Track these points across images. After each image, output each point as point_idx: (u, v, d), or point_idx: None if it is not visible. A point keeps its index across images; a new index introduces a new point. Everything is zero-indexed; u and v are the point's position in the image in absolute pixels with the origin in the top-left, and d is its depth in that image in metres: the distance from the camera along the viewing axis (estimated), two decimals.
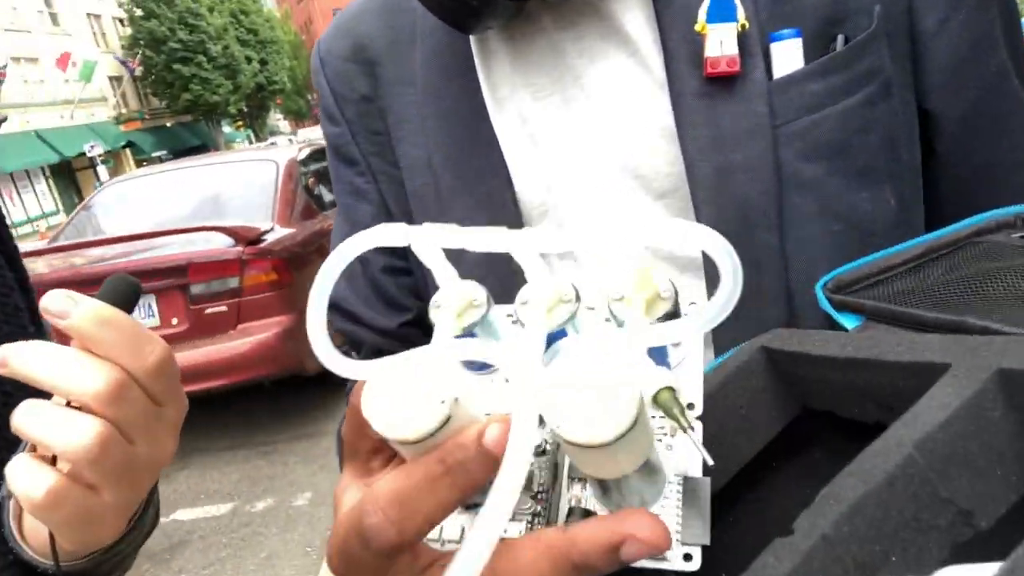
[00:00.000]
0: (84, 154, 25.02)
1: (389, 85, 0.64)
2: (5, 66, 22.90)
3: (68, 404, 0.42)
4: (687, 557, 0.27)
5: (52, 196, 26.23)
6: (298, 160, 4.70)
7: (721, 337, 0.51)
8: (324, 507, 3.28)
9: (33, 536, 0.48)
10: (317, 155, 5.09)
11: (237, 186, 4.56)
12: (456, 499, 0.27)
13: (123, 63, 29.92)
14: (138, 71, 30.19)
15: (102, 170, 24.83)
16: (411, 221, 0.64)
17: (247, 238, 3.80)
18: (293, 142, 5.25)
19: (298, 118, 41.11)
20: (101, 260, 3.80)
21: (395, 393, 0.26)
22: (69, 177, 27.52)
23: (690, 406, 0.31)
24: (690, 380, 0.32)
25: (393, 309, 0.68)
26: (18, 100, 24.99)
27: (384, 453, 0.33)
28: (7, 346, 0.42)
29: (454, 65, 0.60)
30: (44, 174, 26.19)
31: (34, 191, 25.37)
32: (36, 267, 3.82)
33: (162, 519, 3.35)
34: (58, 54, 27.29)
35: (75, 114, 27.76)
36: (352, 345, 0.71)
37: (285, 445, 3.95)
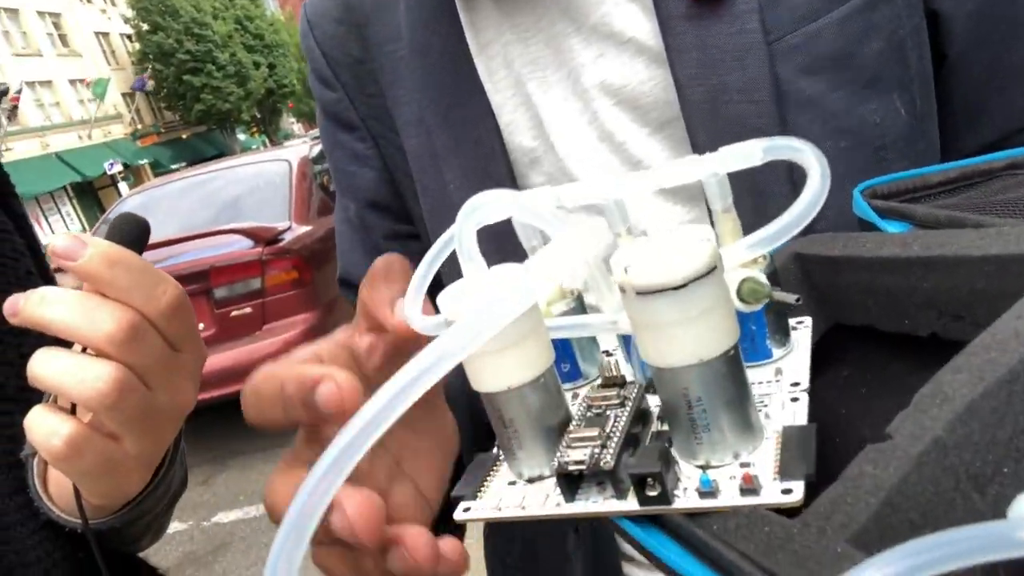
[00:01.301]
0: (105, 173, 25.40)
1: (378, 45, 0.62)
2: (20, 91, 23.26)
3: (84, 351, 0.40)
4: (786, 491, 0.25)
5: (77, 216, 26.66)
6: (311, 158, 4.70)
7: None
8: None
9: (59, 496, 0.48)
10: None
11: (252, 188, 4.58)
12: None
13: (137, 90, 30.26)
14: (150, 85, 30.51)
15: (123, 186, 25.19)
16: (412, 184, 0.63)
17: (266, 238, 3.81)
18: (307, 143, 5.26)
19: (310, 120, 41.37)
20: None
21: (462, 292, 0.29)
22: (92, 196, 27.93)
23: (795, 384, 0.31)
24: (799, 365, 0.32)
25: None
26: (35, 123, 25.38)
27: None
28: (17, 295, 0.41)
29: (438, 13, 0.59)
30: (68, 195, 26.61)
31: (60, 213, 25.79)
32: (64, 282, 3.86)
33: (203, 523, 3.39)
34: (70, 75, 27.67)
35: (92, 133, 28.14)
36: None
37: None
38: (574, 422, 0.30)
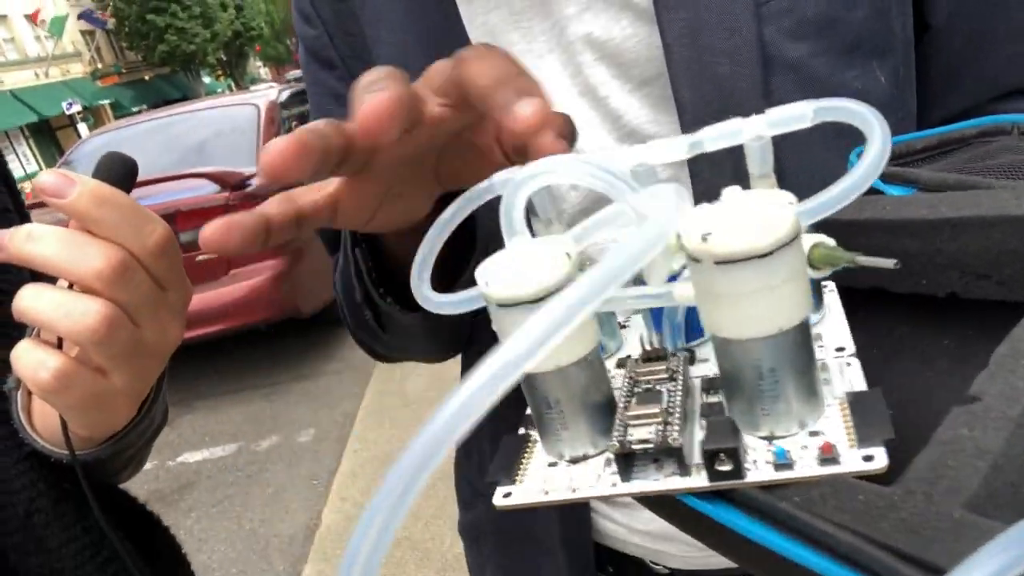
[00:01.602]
0: (64, 113, 24.57)
1: None
2: None
3: (71, 287, 0.40)
4: (867, 458, 0.24)
5: (34, 157, 25.83)
6: (279, 103, 4.63)
7: (708, 192, 0.50)
8: (327, 442, 3.34)
9: (44, 427, 0.48)
10: (298, 97, 5.01)
11: (218, 132, 4.50)
12: None
13: (91, 17, 29.07)
14: (110, 23, 29.39)
15: (83, 128, 24.42)
16: None
17: (232, 183, 3.76)
18: (275, 88, 5.14)
19: (278, 64, 40.27)
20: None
21: (514, 262, 0.27)
22: (50, 137, 27.04)
23: (840, 348, 0.30)
24: (838, 329, 0.31)
25: None
26: None
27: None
28: (2, 231, 0.40)
29: None
30: (24, 135, 25.74)
31: (16, 153, 24.95)
32: (39, 220, 3.78)
33: (169, 462, 3.42)
34: (28, 10, 26.53)
35: (50, 71, 27.14)
36: (327, 239, 0.70)
37: (285, 386, 3.99)
38: (622, 399, 0.28)
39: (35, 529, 0.48)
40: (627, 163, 0.31)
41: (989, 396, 0.23)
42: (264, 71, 41.60)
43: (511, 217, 0.30)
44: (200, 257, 3.80)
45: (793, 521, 0.23)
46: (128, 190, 0.42)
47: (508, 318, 0.26)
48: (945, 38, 0.55)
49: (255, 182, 3.89)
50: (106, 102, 28.76)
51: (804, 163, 0.48)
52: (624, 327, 0.36)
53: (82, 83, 28.95)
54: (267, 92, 4.91)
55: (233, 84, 34.88)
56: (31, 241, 0.40)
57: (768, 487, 0.24)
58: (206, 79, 34.55)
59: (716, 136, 0.30)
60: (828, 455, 0.24)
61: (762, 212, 0.24)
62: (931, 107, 0.57)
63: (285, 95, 4.81)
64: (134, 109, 26.38)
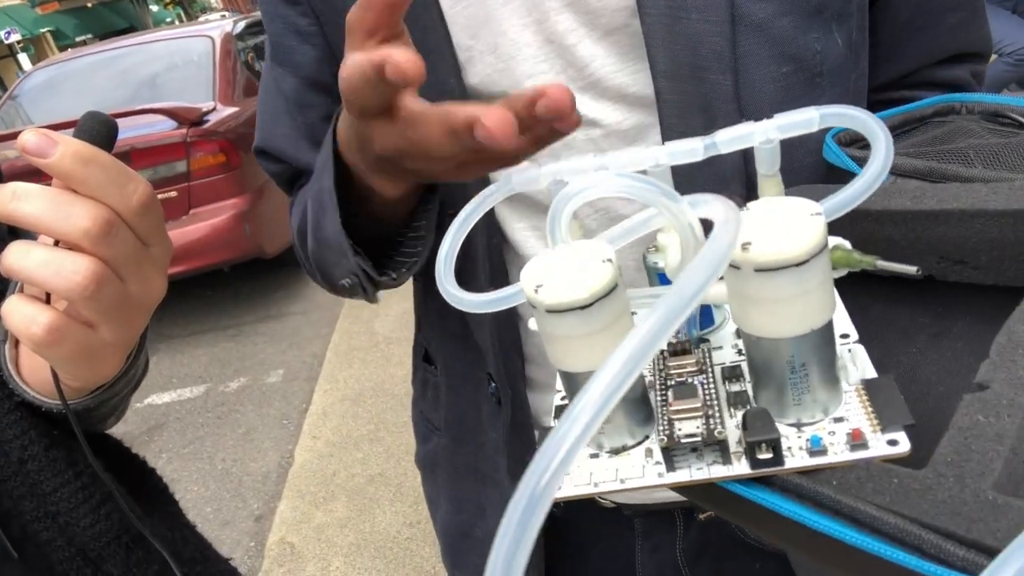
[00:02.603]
0: (2, 42, 23.35)
1: None
2: None
3: (56, 244, 0.41)
4: (892, 442, 0.26)
5: None
6: (234, 35, 4.47)
7: (684, 189, 0.51)
8: (296, 382, 3.36)
9: (33, 378, 0.49)
10: (254, 28, 4.84)
11: (172, 65, 4.35)
12: None
13: None
14: None
15: (23, 58, 23.27)
16: None
17: (190, 119, 3.66)
18: (230, 18, 4.95)
19: None
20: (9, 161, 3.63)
21: (556, 271, 0.28)
22: None
23: (845, 335, 0.32)
24: (839, 316, 0.33)
25: None
26: None
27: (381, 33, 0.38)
28: None
29: None
30: None
31: None
32: None
33: (136, 404, 3.40)
34: None
35: None
36: (284, 181, 0.70)
37: (251, 327, 3.98)
38: (658, 392, 0.30)
39: (29, 475, 0.50)
40: (645, 164, 0.32)
41: (997, 383, 0.25)
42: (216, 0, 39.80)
43: (558, 226, 0.32)
44: (158, 196, 3.72)
45: (837, 504, 0.24)
46: (109, 149, 0.42)
47: (555, 322, 0.28)
48: (893, 7, 0.57)
49: (213, 117, 3.79)
50: (46, 30, 27.37)
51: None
52: (634, 313, 0.38)
53: (20, 9, 27.46)
54: (221, 23, 4.73)
55: (183, 13, 33.39)
56: (16, 199, 0.40)
57: (804, 472, 0.26)
58: (153, 7, 32.99)
59: (729, 139, 0.32)
60: (858, 441, 0.26)
61: (796, 222, 0.25)
62: (879, 67, 0.59)
63: (240, 26, 4.64)
64: (78, 39, 25.16)
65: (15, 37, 23.17)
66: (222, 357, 3.72)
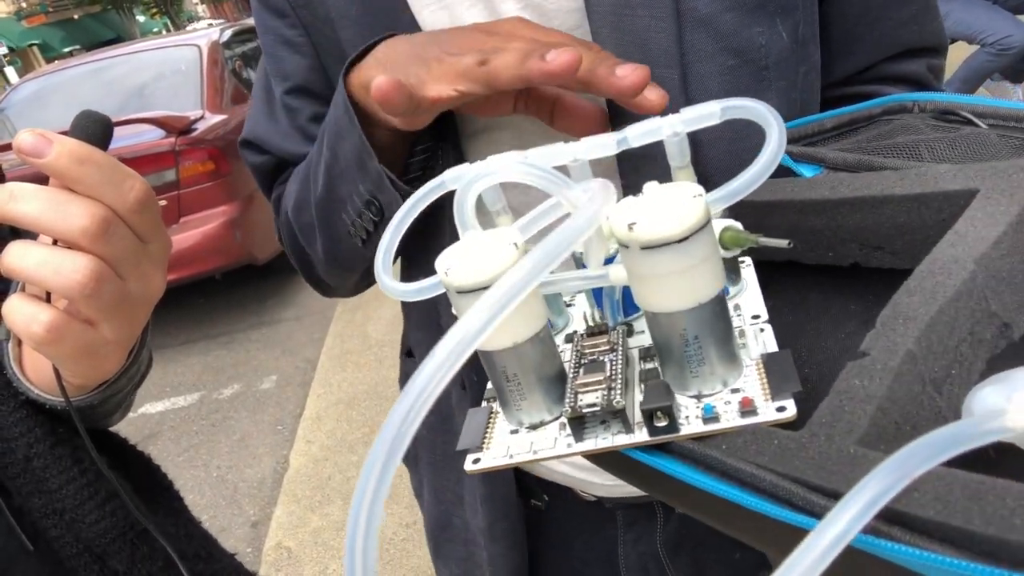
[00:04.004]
0: None
1: None
2: None
3: (55, 243, 0.42)
4: (780, 409, 0.28)
5: None
6: (221, 43, 4.48)
7: (635, 182, 0.52)
8: (290, 388, 3.36)
9: (36, 376, 0.50)
10: (241, 36, 4.85)
11: (159, 75, 4.36)
12: None
13: None
14: None
15: (10, 71, 23.19)
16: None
17: (178, 128, 3.67)
18: (218, 27, 4.95)
19: (216, 1, 38.57)
20: (24, 164, 3.62)
21: (469, 253, 0.30)
22: None
23: (756, 316, 0.34)
24: (753, 299, 0.35)
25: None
26: None
27: None
28: None
29: None
30: None
31: None
32: None
33: (131, 414, 3.41)
34: None
35: None
36: (264, 173, 0.72)
37: (243, 334, 3.98)
38: (571, 370, 0.32)
39: (35, 472, 0.51)
40: (564, 158, 0.35)
41: (875, 351, 0.27)
42: (202, 8, 39.77)
43: (464, 212, 0.34)
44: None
45: (722, 465, 0.27)
46: (105, 148, 0.43)
47: (466, 302, 0.30)
48: (843, 1, 0.58)
49: (201, 125, 3.79)
50: (33, 43, 27.27)
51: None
52: (570, 306, 0.40)
53: (6, 23, 27.37)
54: (208, 32, 4.74)
55: (170, 23, 33.32)
56: (14, 200, 0.41)
57: (699, 438, 0.28)
58: (140, 18, 32.94)
59: (640, 133, 0.34)
60: (747, 408, 0.28)
61: (677, 203, 0.27)
62: (834, 63, 0.61)
63: (227, 34, 4.65)
64: (64, 50, 25.09)
65: (2, 51, 23.10)
66: (215, 365, 3.72)
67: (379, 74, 0.51)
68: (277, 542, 2.45)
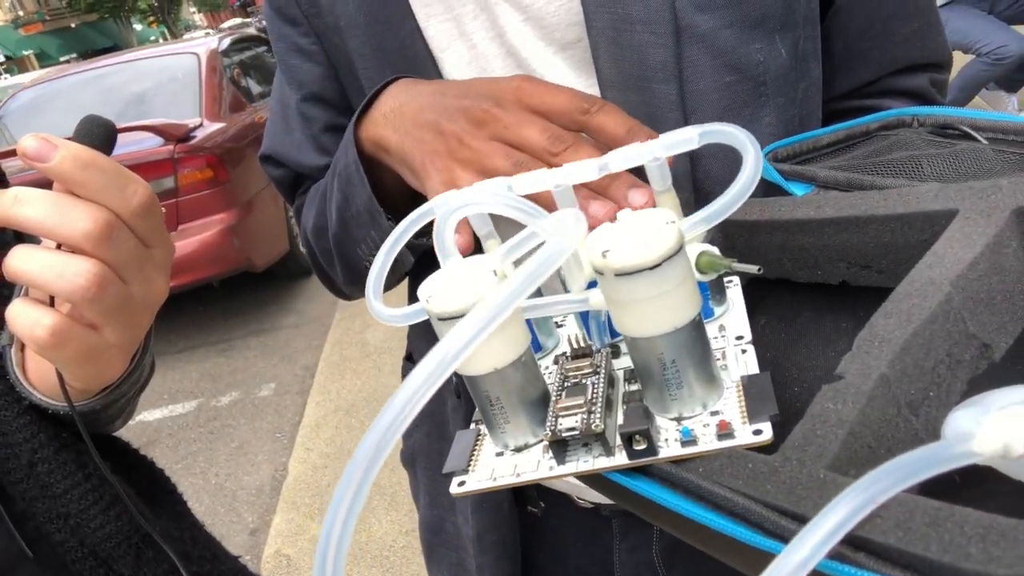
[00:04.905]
0: None
1: None
2: None
3: (58, 248, 0.42)
4: (757, 432, 0.28)
5: None
6: (220, 51, 4.49)
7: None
8: (289, 395, 3.36)
9: (39, 381, 0.50)
10: (240, 44, 4.86)
11: (158, 83, 4.36)
12: None
13: None
14: None
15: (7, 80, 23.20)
16: (355, 81, 0.64)
17: (176, 136, 3.67)
18: (216, 36, 4.96)
19: (214, 10, 38.61)
20: (23, 171, 3.62)
21: (449, 281, 0.32)
22: None
23: (739, 337, 0.34)
24: (738, 320, 0.36)
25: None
26: None
27: None
28: None
29: None
30: None
31: None
32: None
33: (129, 421, 3.42)
34: None
35: None
36: (285, 186, 0.73)
37: (241, 341, 3.98)
38: (554, 392, 0.32)
39: (39, 477, 0.51)
40: (548, 184, 0.35)
41: (850, 374, 0.27)
42: (199, 17, 39.83)
43: (443, 240, 0.35)
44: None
45: (698, 489, 0.27)
46: (108, 152, 0.43)
47: (447, 328, 0.30)
48: (846, 16, 0.59)
49: (200, 133, 3.80)
50: (30, 52, 27.29)
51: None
52: (560, 326, 0.40)
53: (3, 31, 27.39)
54: (206, 40, 4.75)
55: (167, 31, 33.35)
56: (18, 204, 0.41)
57: (677, 461, 0.28)
58: (137, 26, 32.98)
59: (620, 159, 0.35)
60: (725, 431, 0.28)
61: (650, 230, 0.28)
62: (836, 77, 0.61)
63: (226, 43, 4.67)
64: (61, 59, 25.09)
65: None
66: (213, 372, 3.72)
67: (388, 134, 0.53)
68: (276, 550, 2.45)
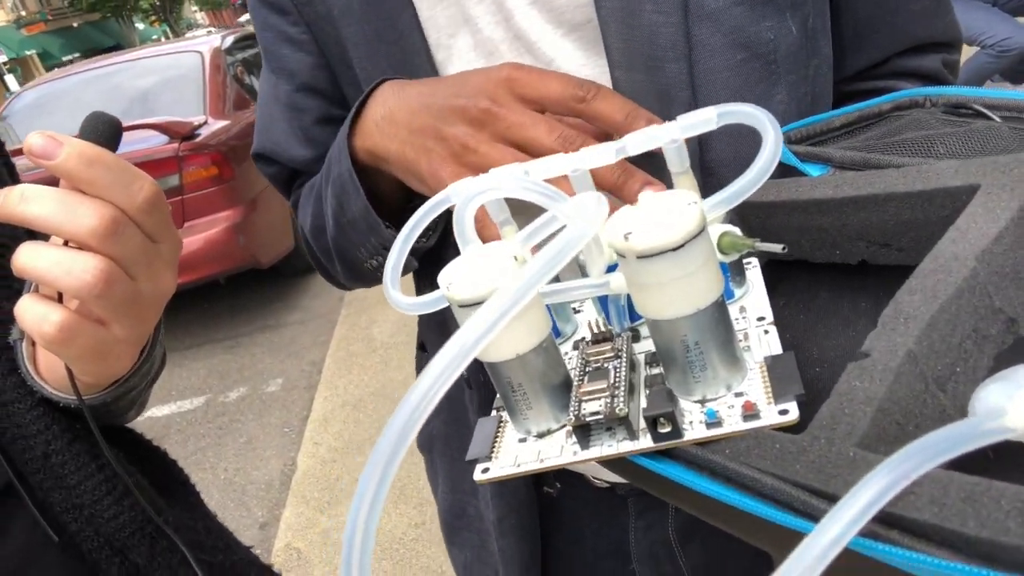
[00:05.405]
0: None
1: None
2: None
3: (66, 244, 0.42)
4: (783, 412, 0.28)
5: None
6: (223, 49, 4.49)
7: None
8: (296, 391, 3.37)
9: (50, 375, 0.51)
10: (242, 42, 4.86)
11: (162, 81, 4.36)
12: None
13: None
14: None
15: (11, 79, 23.25)
16: (348, 71, 0.64)
17: (181, 133, 3.68)
18: (219, 34, 4.96)
19: (215, 8, 38.62)
20: (28, 170, 3.63)
21: (470, 268, 0.31)
22: None
23: (761, 318, 0.34)
24: (759, 301, 0.35)
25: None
26: None
27: None
28: None
29: None
30: None
31: None
32: None
33: (137, 418, 3.44)
34: None
35: None
36: (280, 182, 0.72)
37: (248, 338, 3.99)
38: (576, 377, 0.32)
39: (53, 469, 0.52)
40: (565, 169, 0.35)
41: (876, 351, 0.27)
42: (201, 16, 39.82)
43: (463, 227, 0.34)
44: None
45: (725, 470, 0.27)
46: (114, 149, 0.43)
47: (468, 316, 0.30)
48: None
49: (204, 131, 3.81)
50: (33, 52, 27.34)
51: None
52: (578, 312, 0.40)
53: (5, 32, 27.43)
54: (209, 38, 4.75)
55: (169, 30, 33.36)
56: (25, 201, 0.41)
57: (703, 443, 0.28)
58: (139, 25, 33.00)
59: (638, 142, 0.35)
60: (750, 412, 0.28)
61: (672, 211, 0.28)
62: (847, 57, 0.61)
63: (229, 40, 4.66)
64: (64, 58, 25.13)
65: (2, 59, 23.16)
66: (220, 368, 3.73)
67: (382, 142, 0.52)
68: (286, 543, 2.46)
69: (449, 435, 0.77)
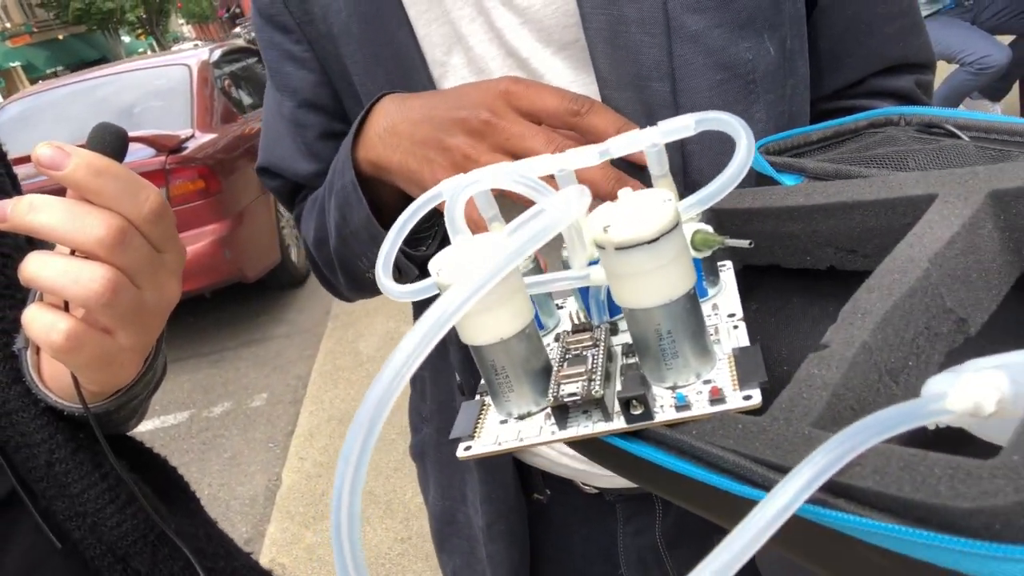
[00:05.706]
0: None
1: None
2: None
3: (72, 254, 0.43)
4: (747, 397, 0.30)
5: None
6: (211, 62, 4.51)
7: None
8: (281, 405, 3.37)
9: (55, 383, 0.51)
10: (230, 56, 4.88)
11: (149, 94, 4.37)
12: None
13: None
14: None
15: None
16: (349, 87, 0.65)
17: (168, 147, 3.68)
18: (207, 47, 4.97)
19: (202, 22, 38.62)
20: (28, 179, 3.59)
21: (459, 257, 0.33)
22: None
23: (731, 314, 0.36)
24: (731, 299, 0.38)
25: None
26: None
27: None
28: (3, 201, 0.42)
29: None
30: None
31: None
32: None
33: (142, 421, 3.41)
34: None
35: None
36: (284, 196, 0.74)
37: (233, 352, 3.98)
38: (556, 364, 0.34)
39: (57, 477, 0.52)
40: (552, 169, 0.37)
41: (835, 343, 0.29)
42: (188, 29, 39.78)
43: (454, 218, 0.36)
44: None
45: (692, 449, 0.29)
46: (121, 160, 0.44)
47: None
48: (830, 16, 0.61)
49: (191, 144, 3.81)
50: (17, 64, 27.18)
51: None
52: (560, 307, 0.42)
53: None
54: (198, 52, 4.77)
55: (155, 43, 33.28)
56: (34, 211, 0.42)
57: (672, 425, 0.30)
58: (125, 38, 32.92)
59: (621, 145, 0.37)
60: (716, 397, 0.30)
61: (649, 207, 0.30)
62: (823, 77, 0.63)
63: (216, 54, 4.68)
64: (48, 71, 25.00)
65: None
66: (205, 383, 3.72)
67: (385, 153, 0.54)
68: (271, 559, 2.45)
69: (440, 443, 0.78)
